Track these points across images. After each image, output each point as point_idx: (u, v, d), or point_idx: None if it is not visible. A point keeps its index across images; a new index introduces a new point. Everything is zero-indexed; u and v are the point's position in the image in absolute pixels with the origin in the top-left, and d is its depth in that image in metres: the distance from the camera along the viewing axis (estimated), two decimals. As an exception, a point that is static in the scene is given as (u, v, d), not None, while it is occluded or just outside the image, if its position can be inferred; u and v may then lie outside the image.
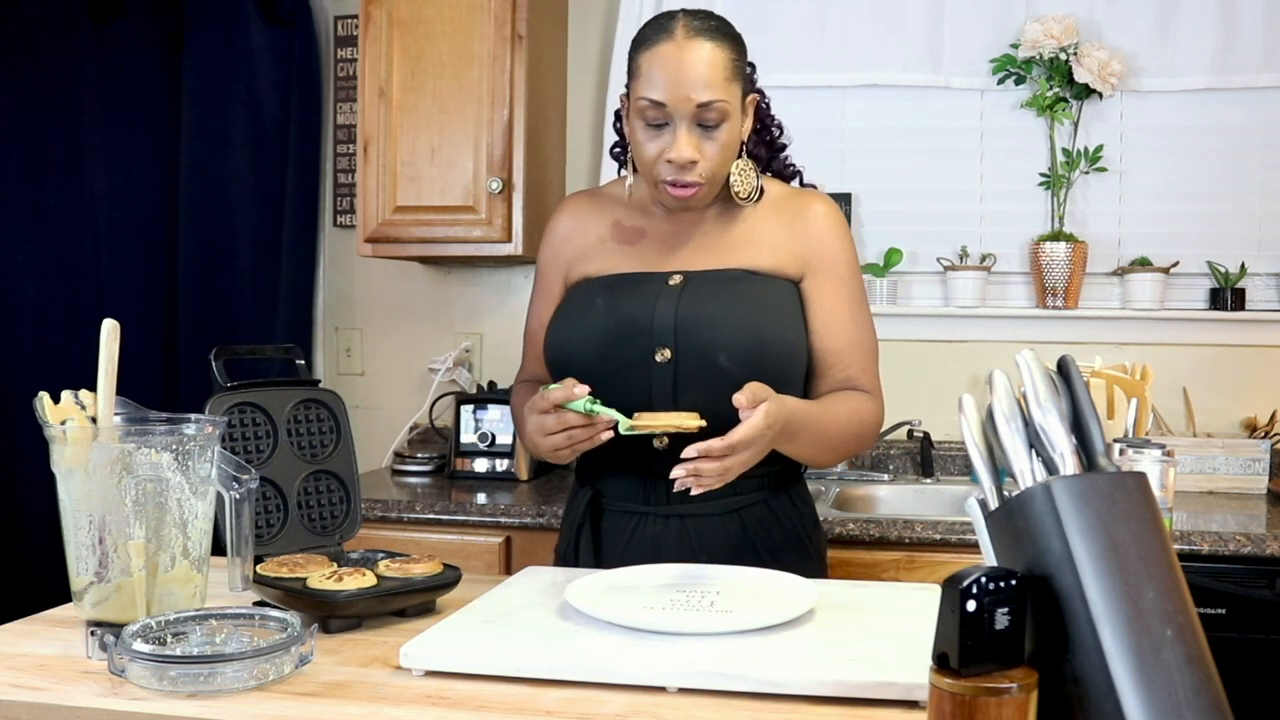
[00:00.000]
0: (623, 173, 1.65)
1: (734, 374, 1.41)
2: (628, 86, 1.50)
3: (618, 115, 1.62)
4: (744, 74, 1.49)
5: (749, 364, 1.43)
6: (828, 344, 1.51)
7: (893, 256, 2.75)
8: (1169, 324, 2.69)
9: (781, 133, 1.63)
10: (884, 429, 2.39)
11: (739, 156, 1.52)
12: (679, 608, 1.17)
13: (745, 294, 1.48)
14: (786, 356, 1.48)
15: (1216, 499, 2.45)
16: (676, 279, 1.50)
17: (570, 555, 1.56)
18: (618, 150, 1.65)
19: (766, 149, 1.62)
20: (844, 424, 1.48)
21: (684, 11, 1.46)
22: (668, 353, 1.45)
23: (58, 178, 3.14)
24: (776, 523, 1.51)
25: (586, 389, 1.36)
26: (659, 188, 1.48)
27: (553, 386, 1.39)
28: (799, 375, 1.51)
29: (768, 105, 1.62)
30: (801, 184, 1.65)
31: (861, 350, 1.54)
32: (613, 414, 1.35)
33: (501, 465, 2.67)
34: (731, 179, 1.51)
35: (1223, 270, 2.66)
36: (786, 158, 1.64)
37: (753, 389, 1.32)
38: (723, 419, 1.33)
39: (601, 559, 1.51)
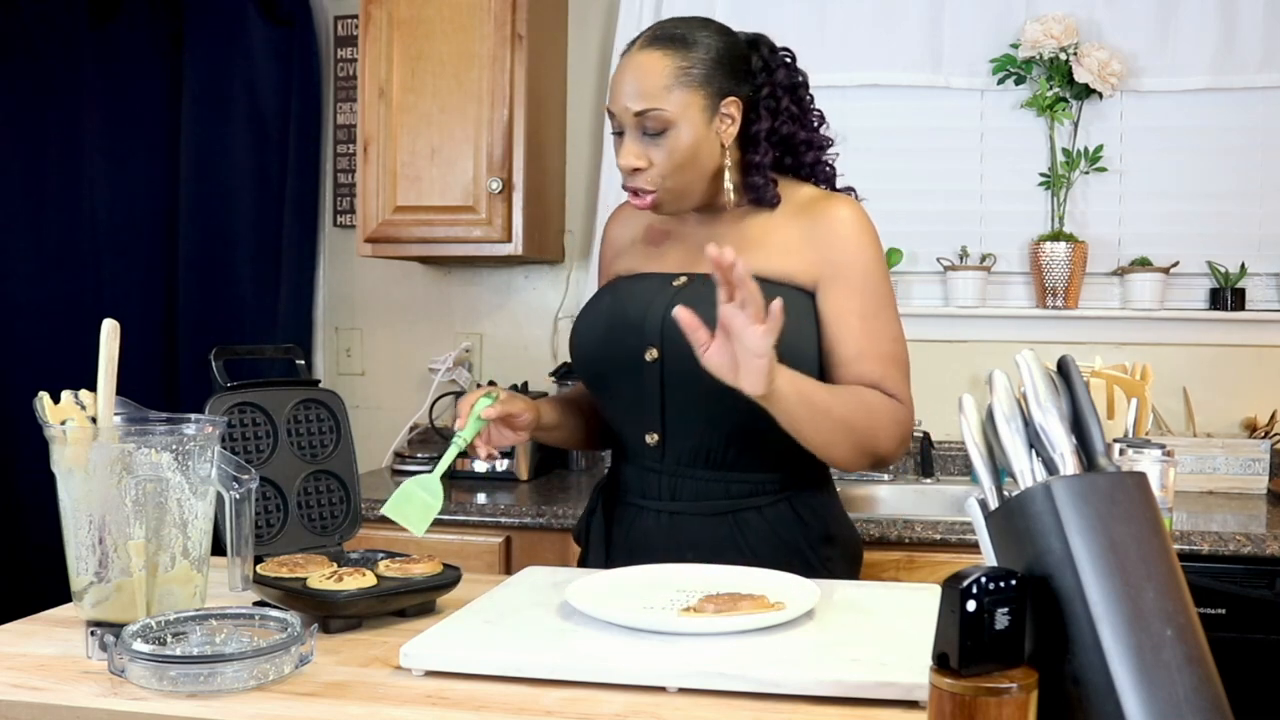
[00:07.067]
0: None
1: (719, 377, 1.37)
2: None
3: None
4: (705, 80, 1.43)
5: None
6: (833, 355, 1.44)
7: (893, 256, 2.75)
8: (1169, 324, 2.69)
9: (821, 122, 1.54)
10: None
11: (730, 160, 1.46)
12: (679, 608, 1.17)
13: None
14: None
15: (1216, 499, 2.45)
16: (681, 280, 1.50)
17: (581, 537, 1.62)
18: None
19: (786, 148, 1.53)
20: (849, 405, 1.38)
21: (663, 21, 1.49)
22: (655, 352, 1.45)
23: (58, 178, 3.14)
24: (771, 532, 1.46)
25: (482, 392, 1.45)
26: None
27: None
28: None
29: (801, 101, 1.53)
30: (833, 187, 1.56)
31: (873, 360, 1.43)
32: (466, 434, 1.43)
33: (501, 465, 2.66)
34: (725, 183, 1.47)
35: (1223, 270, 2.66)
36: (821, 155, 1.55)
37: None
38: (710, 421, 1.36)
39: (610, 546, 1.54)
